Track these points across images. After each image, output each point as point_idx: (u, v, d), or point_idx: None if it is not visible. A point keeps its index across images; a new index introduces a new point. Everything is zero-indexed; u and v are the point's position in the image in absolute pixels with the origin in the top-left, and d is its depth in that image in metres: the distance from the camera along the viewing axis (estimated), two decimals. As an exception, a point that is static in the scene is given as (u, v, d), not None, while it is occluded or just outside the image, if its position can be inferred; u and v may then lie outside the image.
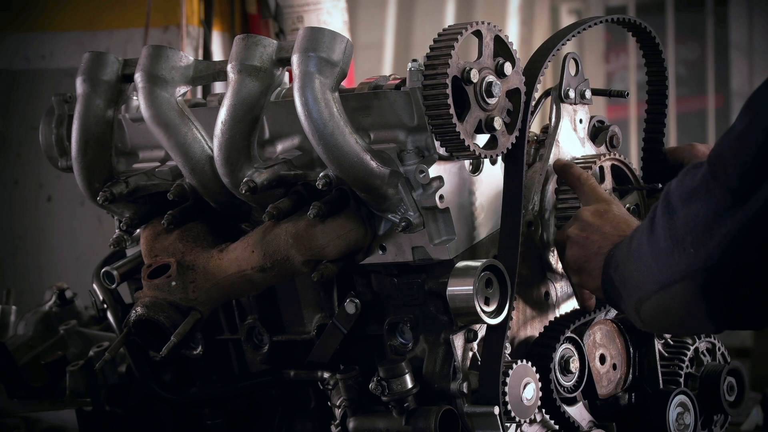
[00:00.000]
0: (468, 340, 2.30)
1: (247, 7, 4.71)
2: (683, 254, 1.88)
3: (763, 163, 1.77)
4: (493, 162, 2.38)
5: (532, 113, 2.38)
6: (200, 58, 4.51)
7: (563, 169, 2.44)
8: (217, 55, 4.59)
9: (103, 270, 2.55)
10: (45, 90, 4.40)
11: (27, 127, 4.51)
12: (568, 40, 2.44)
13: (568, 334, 2.39)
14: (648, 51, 2.63)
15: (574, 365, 2.39)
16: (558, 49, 2.42)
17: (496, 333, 2.28)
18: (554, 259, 2.45)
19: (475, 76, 2.24)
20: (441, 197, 2.28)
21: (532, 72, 2.37)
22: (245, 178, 2.31)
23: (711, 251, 1.84)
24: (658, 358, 2.54)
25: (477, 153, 2.26)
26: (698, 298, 1.90)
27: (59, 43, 4.62)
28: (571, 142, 2.52)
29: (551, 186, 2.46)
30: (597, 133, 2.59)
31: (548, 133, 2.50)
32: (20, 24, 4.68)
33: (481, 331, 2.31)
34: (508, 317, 2.28)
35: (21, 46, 4.66)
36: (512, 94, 2.32)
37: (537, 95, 2.40)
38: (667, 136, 2.68)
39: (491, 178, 2.39)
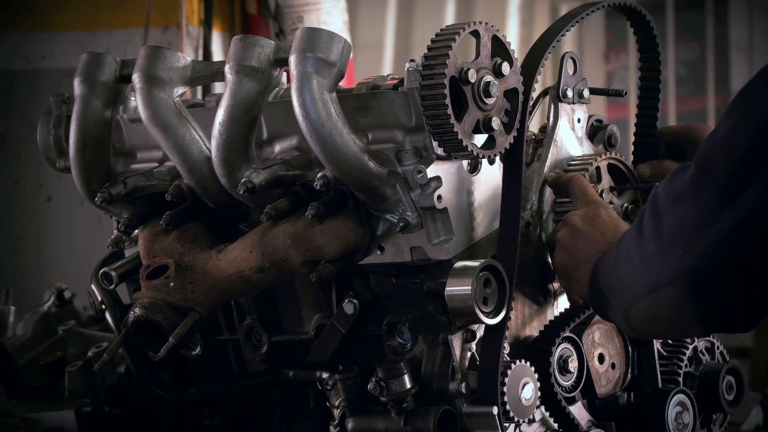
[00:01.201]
0: (466, 340, 2.30)
1: (247, 7, 4.71)
2: (672, 257, 1.87)
3: (752, 162, 1.77)
4: (491, 162, 2.38)
5: (530, 112, 2.38)
6: (200, 58, 4.51)
7: (554, 183, 2.44)
8: (217, 55, 4.59)
9: (101, 271, 2.55)
10: (45, 90, 4.40)
11: (27, 127, 4.51)
12: (562, 35, 2.43)
13: (567, 333, 2.39)
14: (640, 32, 2.61)
15: (573, 365, 2.39)
16: (554, 46, 2.41)
17: (495, 333, 2.28)
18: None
19: (472, 76, 2.23)
20: (439, 197, 2.28)
21: (529, 68, 2.37)
22: (243, 179, 2.31)
23: (700, 253, 1.83)
24: (656, 357, 2.54)
25: (475, 153, 2.26)
26: (687, 301, 1.89)
27: (59, 43, 4.62)
28: (569, 141, 2.52)
29: (549, 186, 2.46)
30: (595, 132, 2.59)
31: (546, 133, 2.50)
32: (20, 24, 4.68)
33: (480, 331, 2.31)
34: (507, 317, 2.28)
35: (21, 46, 4.66)
36: (510, 94, 2.32)
37: (535, 95, 2.40)
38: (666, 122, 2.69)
39: (489, 178, 2.39)
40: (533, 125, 2.47)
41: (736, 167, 1.79)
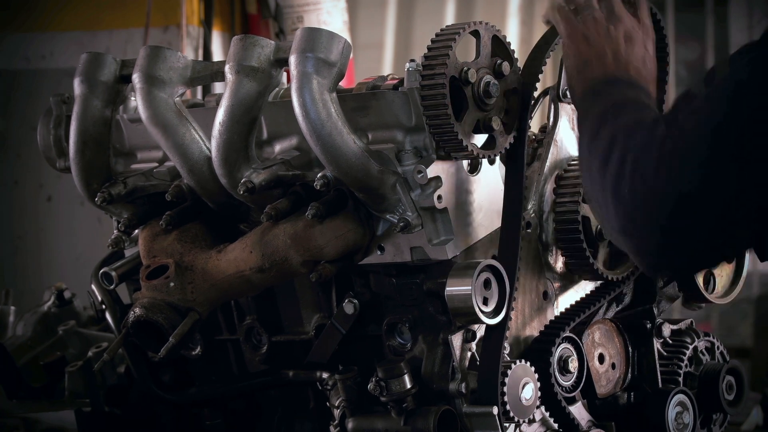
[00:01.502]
0: (467, 340, 2.30)
1: (247, 7, 4.72)
2: (622, 209, 1.85)
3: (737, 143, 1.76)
4: (492, 162, 2.38)
5: (531, 112, 2.38)
6: (200, 58, 4.52)
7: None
8: (217, 55, 4.60)
9: (101, 271, 2.55)
10: (45, 90, 4.40)
11: (27, 127, 4.51)
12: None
13: (567, 333, 2.39)
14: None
15: (573, 365, 2.39)
16: (557, 43, 2.40)
17: (495, 333, 2.28)
18: (553, 259, 2.45)
19: (473, 76, 2.23)
20: (439, 197, 2.28)
21: (531, 69, 2.36)
22: (243, 179, 2.31)
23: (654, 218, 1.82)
24: (657, 357, 2.54)
25: (475, 153, 2.26)
26: (634, 254, 1.89)
27: (59, 43, 4.63)
28: (570, 141, 2.51)
29: (550, 186, 2.46)
30: (595, 132, 2.58)
31: (546, 133, 2.50)
32: (20, 24, 4.69)
33: (480, 331, 2.31)
34: (507, 317, 2.28)
35: (21, 46, 4.67)
36: (510, 94, 2.32)
37: (535, 95, 2.40)
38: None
39: (489, 178, 2.39)
40: (533, 125, 2.47)
41: (718, 146, 1.78)
